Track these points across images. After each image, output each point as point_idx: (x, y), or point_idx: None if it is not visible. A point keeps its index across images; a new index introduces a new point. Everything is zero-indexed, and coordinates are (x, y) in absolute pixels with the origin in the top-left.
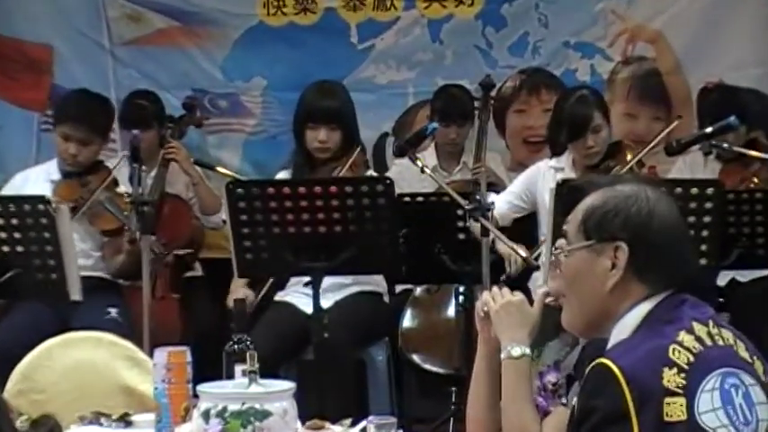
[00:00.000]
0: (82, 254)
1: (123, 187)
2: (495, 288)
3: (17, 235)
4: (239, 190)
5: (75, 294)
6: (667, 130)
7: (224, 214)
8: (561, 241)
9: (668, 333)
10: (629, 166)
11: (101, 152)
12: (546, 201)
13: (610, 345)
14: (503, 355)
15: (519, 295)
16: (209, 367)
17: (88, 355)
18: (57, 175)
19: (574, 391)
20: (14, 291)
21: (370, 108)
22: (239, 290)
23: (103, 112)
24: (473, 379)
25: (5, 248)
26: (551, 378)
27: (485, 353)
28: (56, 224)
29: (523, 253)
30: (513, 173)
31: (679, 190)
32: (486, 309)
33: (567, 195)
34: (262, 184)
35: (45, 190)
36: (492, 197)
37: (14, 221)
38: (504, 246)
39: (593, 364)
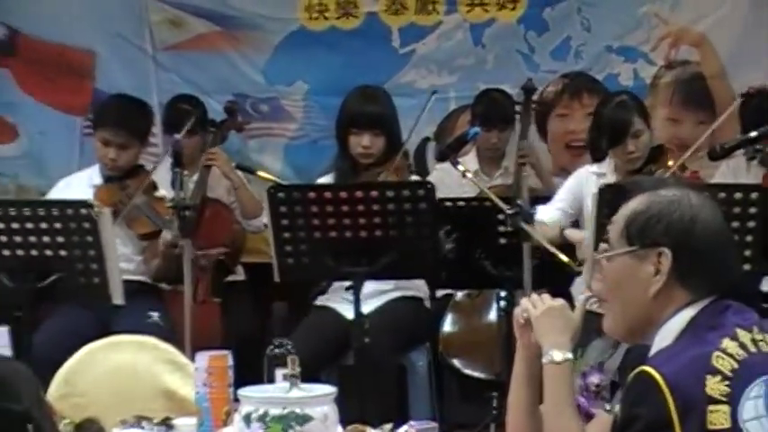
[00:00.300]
0: (123, 258)
1: (163, 191)
2: (534, 294)
3: (60, 239)
4: (280, 194)
5: (117, 298)
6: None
7: (265, 218)
8: (603, 246)
9: (711, 340)
10: (671, 171)
11: (140, 156)
12: (589, 206)
13: (652, 351)
14: (544, 360)
15: (560, 300)
16: (251, 371)
17: (130, 359)
18: (99, 180)
19: (618, 397)
20: (56, 295)
21: (410, 113)
22: None
23: (142, 115)
24: (512, 384)
25: (48, 252)
26: (594, 379)
27: (524, 357)
28: (98, 228)
29: (565, 258)
30: (555, 177)
31: (722, 195)
32: (525, 315)
33: (611, 198)
34: (303, 189)
35: (87, 195)
36: (538, 209)
37: (57, 226)
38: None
39: (636, 371)
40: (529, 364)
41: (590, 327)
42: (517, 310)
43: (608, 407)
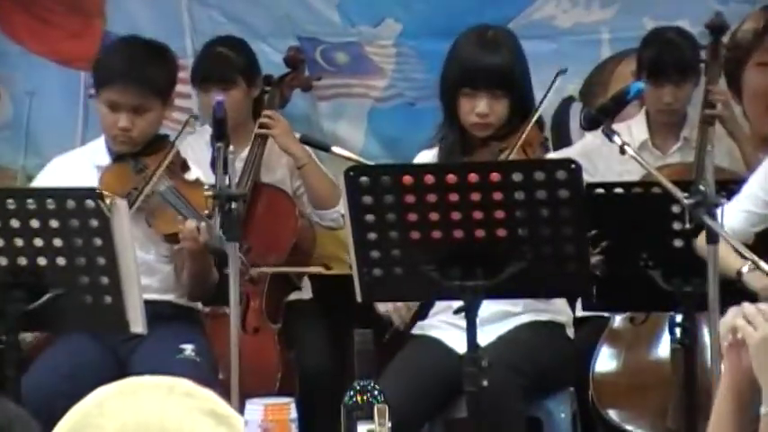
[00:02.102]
0: (144, 269)
1: (196, 172)
2: (747, 305)
3: (58, 243)
4: (363, 179)
5: (138, 325)
6: None
7: (343, 208)
8: None
9: None
10: None
11: (162, 123)
12: None
13: None
14: (765, 410)
15: None
16: (322, 426)
17: (155, 410)
18: (106, 159)
19: None
20: (54, 320)
21: (548, 62)
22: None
23: (162, 64)
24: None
25: (42, 261)
26: None
27: (732, 390)
28: (111, 227)
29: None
30: (754, 152)
31: None
32: (740, 336)
33: None
34: (395, 171)
35: (91, 180)
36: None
37: (54, 224)
38: None
39: None
40: (739, 401)
41: None
42: (723, 328)
43: None
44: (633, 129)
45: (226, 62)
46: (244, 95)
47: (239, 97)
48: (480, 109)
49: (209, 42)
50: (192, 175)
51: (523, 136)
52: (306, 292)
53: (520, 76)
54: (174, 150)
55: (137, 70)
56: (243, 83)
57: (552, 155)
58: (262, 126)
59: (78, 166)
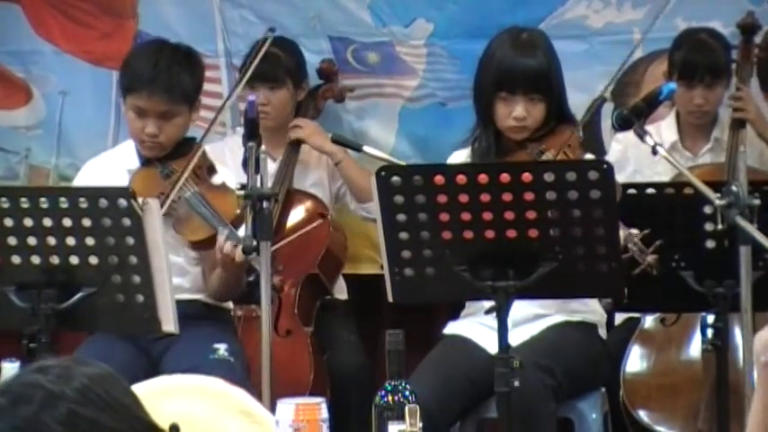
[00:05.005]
0: (177, 270)
1: (223, 173)
2: None
3: (90, 241)
4: (395, 178)
5: (169, 324)
6: None
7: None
8: None
9: None
10: None
11: (190, 125)
12: None
13: None
14: None
15: None
16: (353, 426)
17: (186, 410)
18: (136, 163)
19: None
20: (86, 319)
21: (579, 63)
22: None
23: (188, 69)
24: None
25: (74, 260)
26: None
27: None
28: (142, 227)
29: None
30: None
31: None
32: None
33: None
34: (426, 171)
35: (123, 184)
36: None
37: (87, 223)
38: None
39: None
40: None
41: None
42: (757, 344)
43: None
44: (663, 130)
45: (275, 62)
46: (290, 97)
47: (285, 98)
48: (518, 113)
49: (259, 41)
50: (218, 179)
51: (566, 137)
52: (341, 293)
53: (555, 78)
54: (198, 154)
55: (163, 77)
56: (290, 84)
57: (589, 156)
58: (294, 128)
59: (110, 169)
